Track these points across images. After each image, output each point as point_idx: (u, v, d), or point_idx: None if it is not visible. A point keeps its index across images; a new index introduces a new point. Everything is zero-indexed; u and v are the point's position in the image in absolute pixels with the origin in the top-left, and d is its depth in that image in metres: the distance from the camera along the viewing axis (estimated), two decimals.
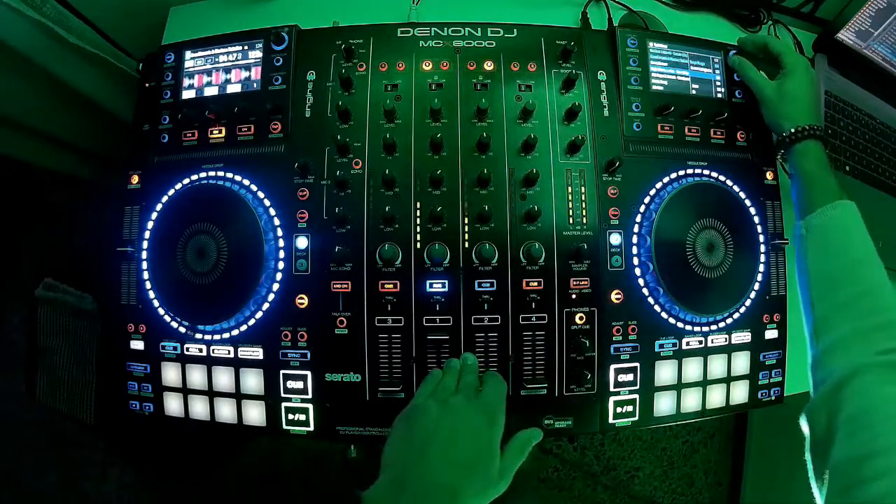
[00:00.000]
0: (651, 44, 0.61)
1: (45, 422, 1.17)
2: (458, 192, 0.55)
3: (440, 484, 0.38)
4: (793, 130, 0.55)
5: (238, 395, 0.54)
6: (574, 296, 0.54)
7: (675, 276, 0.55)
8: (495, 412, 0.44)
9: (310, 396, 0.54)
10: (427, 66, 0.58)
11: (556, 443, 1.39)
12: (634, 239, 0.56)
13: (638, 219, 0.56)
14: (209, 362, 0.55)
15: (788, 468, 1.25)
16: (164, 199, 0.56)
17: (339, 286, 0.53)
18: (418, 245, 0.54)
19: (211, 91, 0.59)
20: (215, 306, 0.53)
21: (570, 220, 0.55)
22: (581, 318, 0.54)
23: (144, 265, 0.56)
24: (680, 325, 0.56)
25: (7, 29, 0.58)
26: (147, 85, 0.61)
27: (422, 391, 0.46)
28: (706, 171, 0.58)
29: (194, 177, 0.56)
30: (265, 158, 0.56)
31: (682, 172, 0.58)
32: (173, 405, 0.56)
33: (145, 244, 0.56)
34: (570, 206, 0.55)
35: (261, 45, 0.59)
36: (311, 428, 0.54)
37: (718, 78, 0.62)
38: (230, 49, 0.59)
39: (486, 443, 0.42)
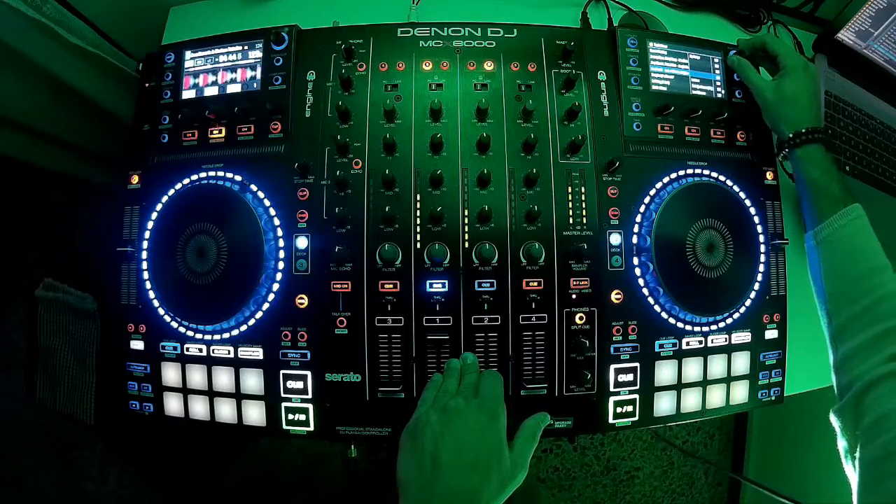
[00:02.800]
0: (651, 44, 0.61)
1: (45, 422, 1.17)
2: (458, 192, 0.55)
3: (461, 491, 0.38)
4: (791, 135, 0.55)
5: (238, 395, 0.54)
6: (574, 296, 0.54)
7: (675, 276, 0.55)
8: (495, 407, 0.44)
9: (310, 396, 0.54)
10: (427, 66, 0.58)
11: (556, 443, 1.39)
12: (634, 239, 0.56)
13: (638, 219, 0.56)
14: (209, 362, 0.55)
15: (788, 468, 1.25)
16: (164, 199, 0.56)
17: (339, 286, 0.53)
18: (418, 245, 0.54)
19: (211, 91, 0.59)
20: (215, 306, 0.53)
21: (570, 220, 0.55)
22: (581, 318, 0.54)
23: (144, 265, 0.56)
24: (680, 325, 0.56)
25: (7, 29, 0.58)
26: (147, 85, 0.61)
27: (424, 399, 0.46)
28: (706, 171, 0.58)
29: (194, 177, 0.56)
30: (265, 158, 0.56)
31: (682, 172, 0.58)
32: (173, 405, 0.56)
33: (145, 244, 0.56)
34: (570, 206, 0.55)
35: (261, 45, 0.59)
36: (311, 428, 0.54)
37: (718, 78, 0.62)
38: (230, 49, 0.59)
39: (493, 439, 0.42)
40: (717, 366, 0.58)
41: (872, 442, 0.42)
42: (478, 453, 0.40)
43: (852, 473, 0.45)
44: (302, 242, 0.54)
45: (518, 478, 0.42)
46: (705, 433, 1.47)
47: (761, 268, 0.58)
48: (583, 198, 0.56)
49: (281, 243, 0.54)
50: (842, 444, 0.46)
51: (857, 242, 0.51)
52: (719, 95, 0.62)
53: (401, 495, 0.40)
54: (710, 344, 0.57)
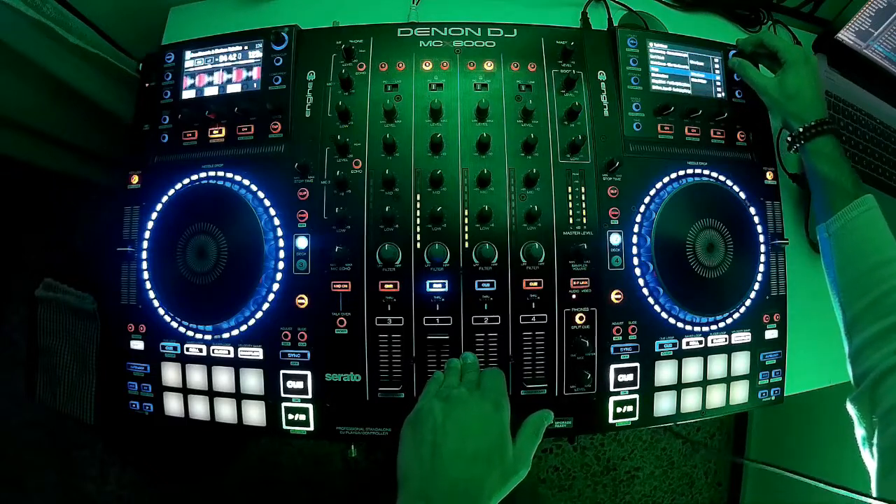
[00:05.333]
0: (651, 44, 0.61)
1: (45, 422, 1.17)
2: (458, 192, 0.55)
3: (462, 482, 0.38)
4: (801, 130, 0.55)
5: (238, 395, 0.54)
6: (574, 296, 0.54)
7: (676, 276, 0.55)
8: (499, 398, 0.44)
9: (310, 396, 0.54)
10: (427, 66, 0.58)
11: (556, 443, 1.39)
12: (634, 239, 0.56)
13: (638, 219, 0.56)
14: (209, 362, 0.55)
15: (788, 468, 1.25)
16: (164, 198, 0.56)
17: (339, 286, 0.53)
18: (418, 245, 0.54)
19: (211, 91, 0.59)
20: (215, 306, 0.53)
21: (570, 220, 0.55)
22: (581, 318, 0.54)
23: (144, 265, 0.56)
24: (680, 325, 0.56)
25: (7, 29, 0.58)
26: (147, 85, 0.61)
27: (426, 392, 0.46)
28: (706, 171, 0.58)
29: (194, 177, 0.56)
30: (265, 158, 0.56)
31: (682, 172, 0.58)
32: (173, 405, 0.56)
33: (145, 244, 0.56)
34: (570, 206, 0.55)
35: (261, 45, 0.59)
36: (311, 428, 0.54)
37: (718, 78, 0.62)
38: (230, 49, 0.59)
39: (496, 428, 0.42)
40: (717, 366, 0.58)
41: (888, 429, 0.43)
42: (480, 443, 0.40)
43: (870, 460, 0.46)
44: (302, 242, 0.54)
45: (520, 473, 0.41)
46: (705, 433, 1.48)
47: (761, 268, 0.58)
48: (583, 198, 0.56)
49: (281, 243, 0.54)
50: (859, 432, 0.47)
51: (868, 234, 0.51)
52: (719, 95, 0.62)
53: (400, 486, 0.39)
54: (710, 344, 0.57)
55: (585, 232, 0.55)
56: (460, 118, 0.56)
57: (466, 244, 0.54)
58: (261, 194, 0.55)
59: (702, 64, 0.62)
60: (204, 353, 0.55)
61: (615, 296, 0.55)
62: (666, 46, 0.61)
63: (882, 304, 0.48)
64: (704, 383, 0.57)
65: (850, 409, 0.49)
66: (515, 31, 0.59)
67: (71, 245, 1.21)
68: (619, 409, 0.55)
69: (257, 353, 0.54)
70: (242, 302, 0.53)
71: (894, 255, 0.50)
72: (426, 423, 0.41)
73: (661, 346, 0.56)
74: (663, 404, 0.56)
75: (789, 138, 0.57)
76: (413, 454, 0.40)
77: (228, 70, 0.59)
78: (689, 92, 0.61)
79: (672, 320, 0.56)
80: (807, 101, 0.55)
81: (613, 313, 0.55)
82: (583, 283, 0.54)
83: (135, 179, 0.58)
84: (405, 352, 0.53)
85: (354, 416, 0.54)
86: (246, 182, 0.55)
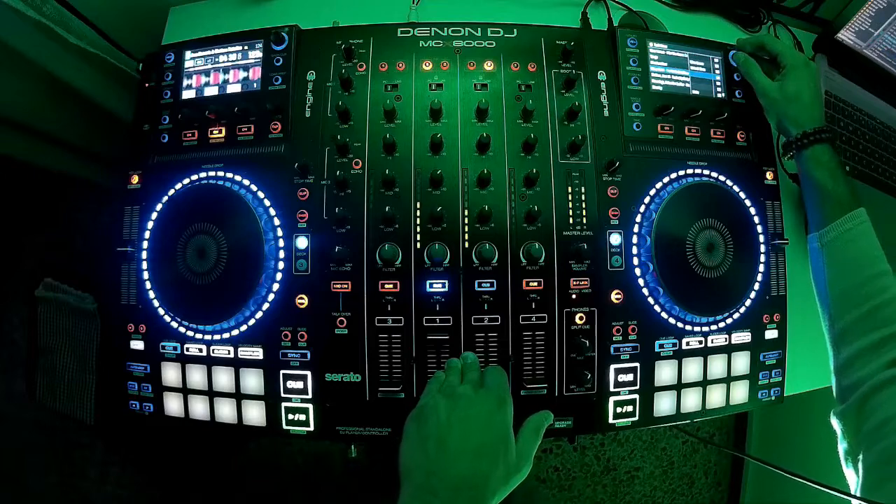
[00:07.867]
0: (651, 44, 0.61)
1: (45, 422, 1.17)
2: (458, 192, 0.55)
3: (468, 476, 0.38)
4: (799, 135, 0.54)
5: (238, 395, 0.54)
6: (574, 296, 0.54)
7: (676, 276, 0.54)
8: (502, 394, 0.44)
9: (310, 396, 0.54)
10: (427, 66, 0.58)
11: (556, 443, 1.39)
12: (634, 239, 0.56)
13: (638, 219, 0.56)
14: (209, 362, 0.55)
15: (789, 467, 1.25)
16: (164, 198, 0.56)
17: (339, 286, 0.53)
18: (418, 245, 0.54)
19: (211, 91, 0.59)
20: (215, 306, 0.53)
21: (571, 220, 0.55)
22: (581, 318, 0.54)
23: (144, 265, 0.56)
24: (680, 325, 0.56)
25: (7, 29, 0.58)
26: (147, 85, 0.61)
27: (428, 390, 0.46)
28: (706, 171, 0.58)
29: (194, 177, 0.56)
30: (265, 158, 0.56)
31: (682, 172, 0.58)
32: (173, 405, 0.56)
33: (145, 244, 0.56)
34: (570, 206, 0.55)
35: (261, 45, 0.59)
36: (311, 428, 0.54)
37: (718, 78, 0.62)
38: (230, 49, 0.59)
39: (500, 425, 0.42)
40: (717, 366, 0.58)
41: (875, 445, 0.43)
42: (485, 439, 0.40)
43: (852, 475, 0.45)
44: (302, 242, 0.54)
45: (522, 471, 0.42)
46: (705, 433, 1.47)
47: (761, 268, 0.58)
48: (583, 198, 0.56)
49: (281, 243, 0.54)
50: (842, 446, 0.47)
51: (861, 247, 0.51)
52: (719, 95, 0.62)
53: (403, 481, 0.39)
54: (710, 344, 0.57)
55: (585, 232, 0.55)
56: (460, 118, 0.56)
57: (466, 244, 0.54)
58: (261, 194, 0.55)
59: (702, 64, 0.62)
60: (204, 354, 0.55)
61: (615, 296, 0.55)
62: (666, 46, 0.61)
63: (874, 316, 0.48)
64: (704, 383, 0.57)
65: (835, 423, 0.48)
66: (515, 31, 0.59)
67: (71, 245, 1.22)
68: (619, 409, 0.55)
69: (257, 353, 0.54)
70: (242, 302, 0.53)
71: (885, 269, 0.50)
72: (430, 419, 0.41)
73: (661, 346, 0.56)
74: (663, 404, 0.56)
75: (785, 143, 0.57)
76: (418, 449, 0.40)
77: (228, 70, 0.59)
78: (689, 92, 0.61)
79: (672, 320, 0.56)
80: (806, 107, 0.55)
81: (613, 313, 0.55)
82: (583, 283, 0.54)
83: (135, 179, 0.58)
84: (405, 352, 0.53)
85: (354, 416, 0.54)
86: (246, 182, 0.55)
